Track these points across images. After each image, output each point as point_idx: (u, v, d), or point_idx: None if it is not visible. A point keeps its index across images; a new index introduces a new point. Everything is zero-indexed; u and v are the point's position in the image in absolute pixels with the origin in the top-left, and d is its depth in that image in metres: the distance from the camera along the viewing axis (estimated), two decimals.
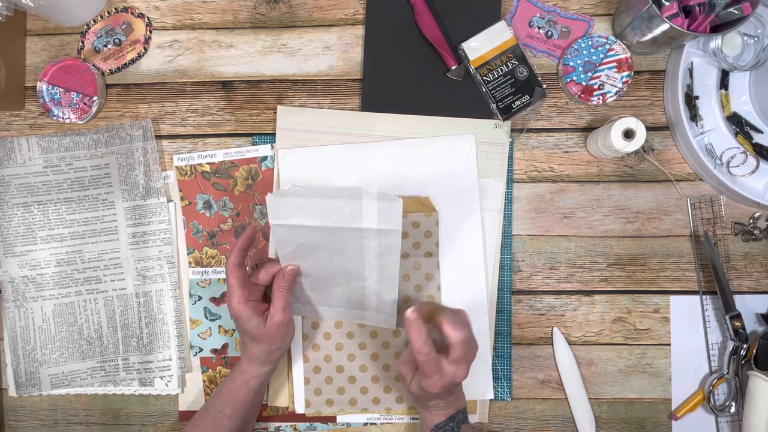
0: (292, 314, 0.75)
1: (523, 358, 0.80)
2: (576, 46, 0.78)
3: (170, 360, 0.80)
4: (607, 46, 0.78)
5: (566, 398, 0.79)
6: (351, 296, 0.73)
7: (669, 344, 0.79)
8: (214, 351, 0.80)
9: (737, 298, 0.78)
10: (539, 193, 0.80)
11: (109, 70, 0.82)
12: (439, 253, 0.78)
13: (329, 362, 0.78)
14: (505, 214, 0.80)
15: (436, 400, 0.66)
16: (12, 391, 0.81)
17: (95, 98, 0.79)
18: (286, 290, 0.69)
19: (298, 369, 0.78)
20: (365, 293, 0.72)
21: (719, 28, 0.72)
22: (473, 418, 0.78)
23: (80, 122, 0.80)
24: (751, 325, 0.79)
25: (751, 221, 0.79)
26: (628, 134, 0.73)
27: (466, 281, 0.78)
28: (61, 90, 0.80)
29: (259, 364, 0.70)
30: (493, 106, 0.79)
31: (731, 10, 0.70)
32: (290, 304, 0.70)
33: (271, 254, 0.80)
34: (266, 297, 0.73)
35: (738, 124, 0.78)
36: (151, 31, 0.82)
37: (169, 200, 0.81)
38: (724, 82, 0.78)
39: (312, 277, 0.72)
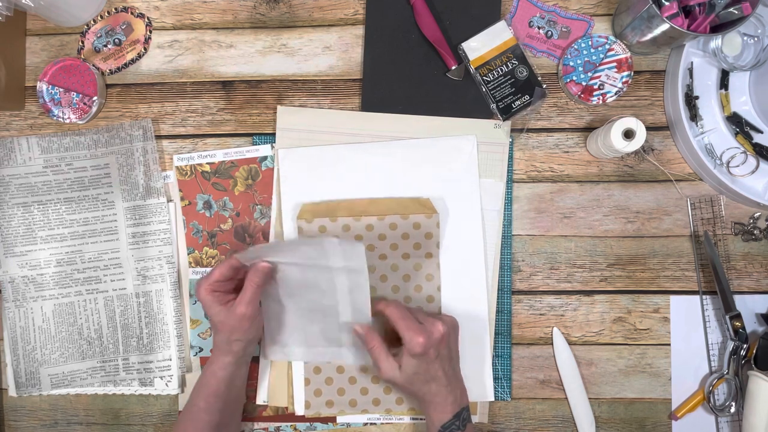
0: (270, 357, 0.77)
1: (523, 358, 0.80)
2: (576, 46, 0.78)
3: (170, 360, 0.80)
4: (607, 46, 0.78)
5: (566, 398, 0.79)
6: (327, 333, 0.74)
7: (669, 344, 0.79)
8: None
9: (737, 298, 0.78)
10: (539, 193, 0.80)
11: (109, 70, 0.82)
12: (439, 255, 0.78)
13: (329, 363, 0.78)
14: (505, 214, 0.80)
15: (435, 384, 0.67)
16: (12, 391, 0.81)
17: (95, 98, 0.79)
18: (255, 285, 0.69)
19: (299, 370, 0.78)
20: (340, 328, 0.73)
21: (719, 28, 0.72)
22: (473, 419, 0.78)
23: (80, 122, 0.80)
24: (751, 325, 0.79)
25: (751, 221, 0.79)
26: (628, 134, 0.73)
27: (466, 281, 0.78)
28: (61, 90, 0.80)
29: (222, 354, 0.71)
30: (493, 106, 0.79)
31: (731, 10, 0.70)
32: (257, 299, 0.70)
33: None
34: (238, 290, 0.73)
35: (738, 124, 0.78)
36: (151, 31, 0.82)
37: (169, 200, 0.81)
38: (724, 82, 0.78)
39: (290, 314, 0.74)
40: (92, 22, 0.82)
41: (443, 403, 0.68)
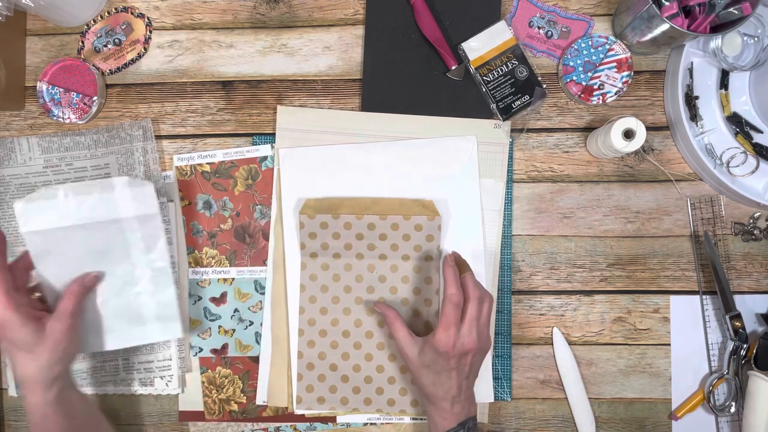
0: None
1: (523, 358, 0.80)
2: (576, 46, 0.78)
3: (170, 360, 0.80)
4: (607, 46, 0.78)
5: (566, 398, 0.80)
6: (127, 309, 0.66)
7: (669, 344, 0.79)
8: (214, 351, 0.80)
9: (737, 298, 0.78)
10: (539, 193, 0.80)
11: (109, 70, 0.82)
12: (440, 258, 0.78)
13: (323, 359, 0.78)
14: (505, 214, 0.80)
15: (443, 390, 0.66)
16: (12, 391, 0.81)
17: (95, 98, 0.79)
18: (80, 294, 0.62)
19: (292, 364, 0.78)
20: (141, 300, 0.65)
21: (719, 28, 0.72)
22: None
23: (80, 122, 0.80)
24: (751, 325, 0.79)
25: (751, 221, 0.79)
26: (628, 134, 0.73)
27: None
28: (61, 90, 0.80)
29: (42, 389, 0.59)
30: (493, 106, 0.79)
31: (731, 10, 0.70)
32: (80, 310, 0.63)
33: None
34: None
35: (738, 124, 0.78)
36: (151, 31, 0.82)
37: (169, 200, 0.81)
38: (724, 82, 0.78)
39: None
40: (92, 22, 0.82)
41: (449, 410, 0.67)
